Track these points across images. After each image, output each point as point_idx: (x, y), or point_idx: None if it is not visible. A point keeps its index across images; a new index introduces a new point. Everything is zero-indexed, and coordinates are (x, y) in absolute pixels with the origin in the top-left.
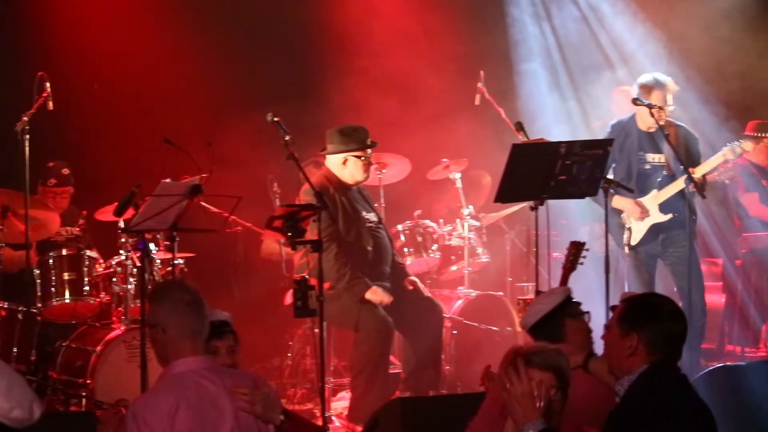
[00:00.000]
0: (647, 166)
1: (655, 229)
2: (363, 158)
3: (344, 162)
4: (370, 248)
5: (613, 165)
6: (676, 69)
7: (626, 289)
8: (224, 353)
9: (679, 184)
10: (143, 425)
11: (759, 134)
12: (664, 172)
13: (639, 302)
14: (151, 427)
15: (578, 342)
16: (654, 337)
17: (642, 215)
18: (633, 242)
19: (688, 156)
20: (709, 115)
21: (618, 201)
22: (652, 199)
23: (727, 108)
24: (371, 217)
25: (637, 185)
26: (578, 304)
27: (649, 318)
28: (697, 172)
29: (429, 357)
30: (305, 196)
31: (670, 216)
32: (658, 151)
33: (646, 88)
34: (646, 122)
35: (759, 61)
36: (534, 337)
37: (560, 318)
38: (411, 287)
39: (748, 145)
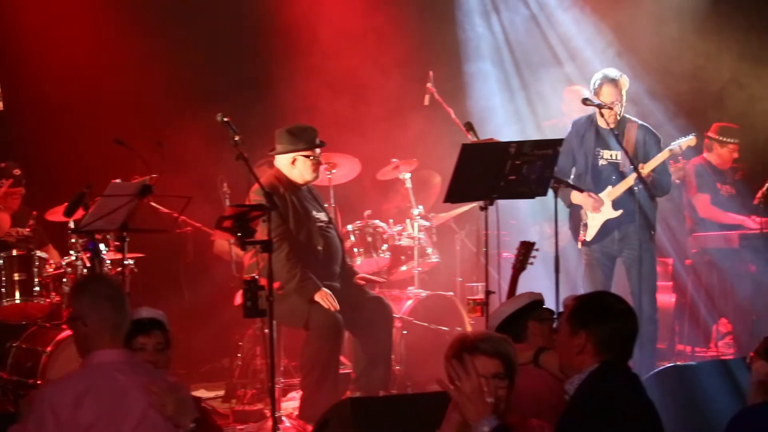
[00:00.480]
0: (603, 163)
1: (608, 227)
2: (312, 158)
3: (293, 162)
4: (320, 248)
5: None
6: (623, 66)
7: (579, 289)
8: (151, 350)
9: (630, 180)
10: (47, 410)
11: (723, 138)
12: (620, 170)
13: (589, 301)
14: (55, 411)
15: (538, 344)
16: (603, 336)
17: (597, 206)
18: (588, 238)
19: (646, 155)
20: (657, 111)
21: (576, 196)
22: (606, 196)
23: (676, 105)
24: (321, 216)
25: (593, 182)
26: (549, 311)
27: (598, 317)
28: (645, 168)
29: (379, 357)
30: (255, 196)
31: (620, 212)
32: (615, 148)
33: (597, 86)
34: (604, 119)
35: (708, 63)
36: None
37: (524, 320)
38: (363, 282)
39: (691, 141)
